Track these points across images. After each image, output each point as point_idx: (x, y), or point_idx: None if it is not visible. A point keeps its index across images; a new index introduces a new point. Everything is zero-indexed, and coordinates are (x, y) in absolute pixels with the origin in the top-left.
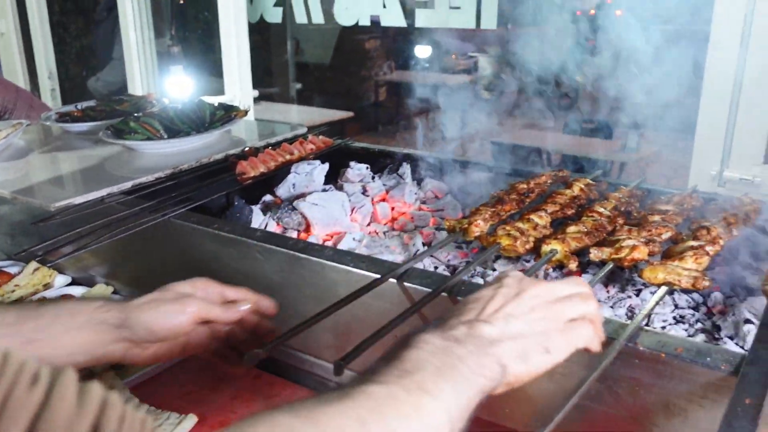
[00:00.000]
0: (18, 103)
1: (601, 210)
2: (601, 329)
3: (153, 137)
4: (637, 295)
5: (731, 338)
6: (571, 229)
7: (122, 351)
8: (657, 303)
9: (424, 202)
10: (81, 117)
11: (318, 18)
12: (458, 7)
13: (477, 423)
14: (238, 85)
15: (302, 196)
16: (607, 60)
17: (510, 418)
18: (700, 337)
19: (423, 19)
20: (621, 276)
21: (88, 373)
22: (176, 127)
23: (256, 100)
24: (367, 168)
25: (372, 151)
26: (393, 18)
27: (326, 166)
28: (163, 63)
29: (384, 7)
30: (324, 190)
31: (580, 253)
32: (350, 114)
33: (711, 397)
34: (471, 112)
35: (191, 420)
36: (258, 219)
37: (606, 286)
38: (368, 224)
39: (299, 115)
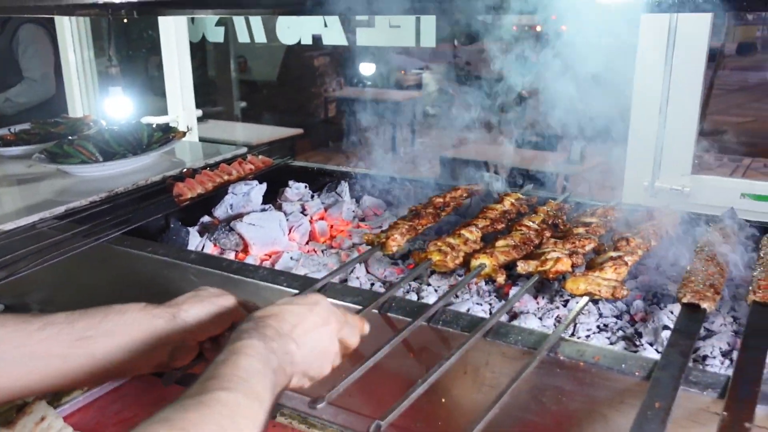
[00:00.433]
0: None
1: (530, 224)
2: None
3: (88, 161)
4: (565, 306)
5: (651, 344)
6: (500, 243)
7: (172, 348)
8: (578, 313)
9: (362, 220)
10: (14, 140)
11: (260, 37)
12: (398, 26)
13: None
14: (181, 104)
15: (240, 216)
16: (549, 75)
17: (442, 429)
18: (621, 345)
19: (364, 37)
20: (550, 287)
21: (21, 404)
22: (112, 149)
23: (202, 118)
24: (306, 187)
25: (311, 170)
26: (334, 37)
27: (264, 186)
28: (103, 84)
29: (325, 26)
30: (263, 210)
31: (510, 266)
32: (299, 131)
33: (629, 402)
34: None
35: None
36: (195, 241)
37: (536, 297)
38: (306, 243)
39: (247, 133)
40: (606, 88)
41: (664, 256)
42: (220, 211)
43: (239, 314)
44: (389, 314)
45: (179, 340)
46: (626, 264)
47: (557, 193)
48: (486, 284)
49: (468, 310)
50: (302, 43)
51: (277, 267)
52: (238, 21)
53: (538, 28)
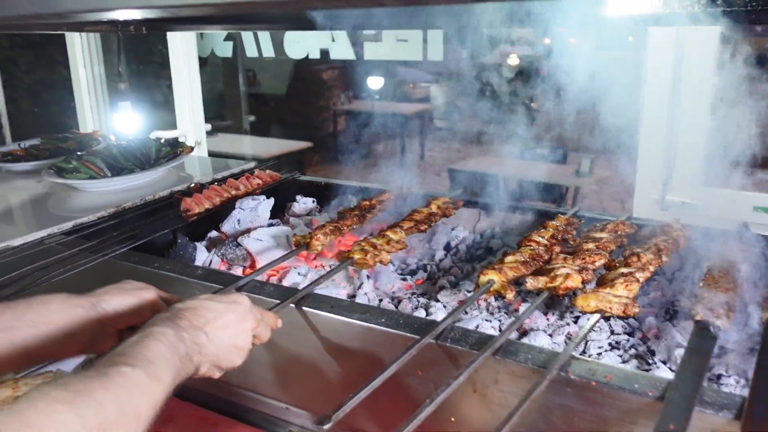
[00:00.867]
0: None
1: (539, 239)
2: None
3: (96, 176)
4: (576, 322)
5: (664, 362)
6: (509, 259)
7: (92, 334)
8: (589, 331)
9: (371, 235)
10: (24, 156)
11: (268, 52)
12: (405, 40)
13: None
14: (190, 119)
15: (247, 231)
16: (558, 88)
17: None
18: (634, 363)
19: (371, 52)
20: (560, 303)
21: None
22: (120, 164)
23: (211, 132)
24: (314, 201)
25: (319, 184)
26: (342, 51)
27: (271, 201)
28: (113, 99)
29: (333, 40)
30: (270, 225)
31: (520, 282)
32: (308, 144)
33: (642, 423)
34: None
35: None
36: (202, 256)
37: (546, 313)
38: (314, 258)
39: (255, 147)
40: (614, 100)
41: (676, 271)
42: (228, 226)
43: (159, 306)
44: (396, 331)
45: (98, 328)
46: (638, 281)
47: (567, 206)
48: (495, 300)
49: (477, 326)
50: (310, 57)
51: (285, 283)
52: (247, 36)
53: (547, 41)
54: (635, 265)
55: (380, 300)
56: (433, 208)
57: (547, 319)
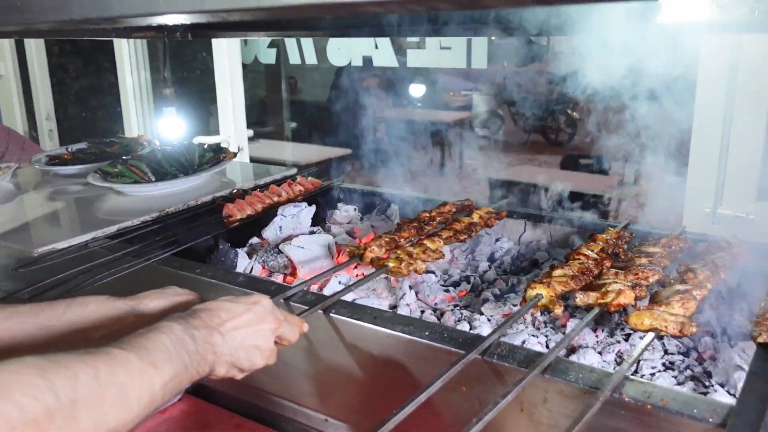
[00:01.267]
0: (9, 146)
1: (588, 252)
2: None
3: (140, 180)
4: (626, 340)
5: (722, 386)
6: (557, 272)
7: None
8: (643, 350)
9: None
10: (71, 159)
11: (311, 59)
12: (449, 48)
13: None
14: (233, 125)
15: (289, 238)
16: (602, 97)
17: None
18: (690, 385)
19: (414, 59)
20: (610, 319)
21: None
22: (164, 169)
23: (253, 138)
24: (355, 209)
25: (360, 192)
26: (385, 58)
27: (313, 208)
28: (158, 104)
29: (376, 47)
30: (312, 232)
31: (567, 296)
32: (348, 151)
33: None
34: (468, 150)
35: None
36: (243, 262)
37: (594, 330)
38: (355, 267)
39: (296, 153)
40: (665, 110)
41: (734, 289)
42: (270, 232)
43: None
44: (441, 345)
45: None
46: (695, 299)
47: (611, 218)
48: (542, 315)
49: (523, 342)
50: (353, 64)
51: (325, 291)
52: (290, 43)
53: (594, 51)
54: (692, 282)
55: (422, 311)
56: (475, 218)
57: (596, 336)
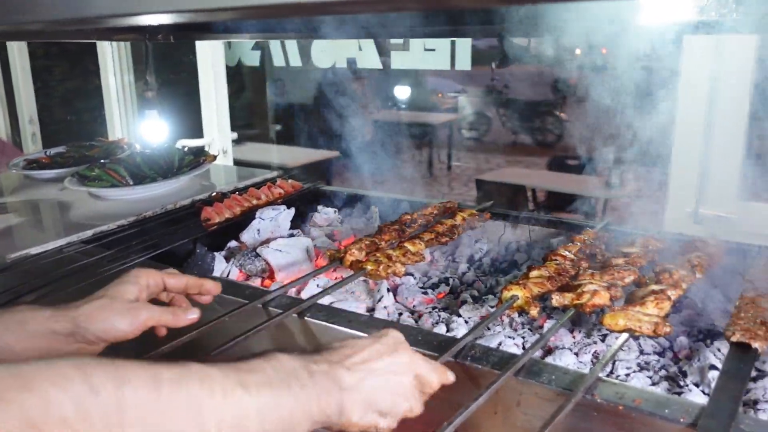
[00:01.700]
0: None
1: (565, 253)
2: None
3: (118, 184)
4: (603, 341)
5: (697, 385)
6: (534, 273)
7: (75, 351)
8: (617, 351)
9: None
10: (49, 163)
11: (295, 61)
12: (433, 50)
13: None
14: (217, 127)
15: (267, 242)
16: (588, 99)
17: None
18: (664, 385)
19: (399, 61)
20: (587, 320)
21: None
22: (143, 173)
23: (238, 141)
24: (335, 212)
25: (341, 195)
26: (369, 60)
27: (292, 211)
28: (142, 107)
29: (360, 49)
30: (291, 235)
31: (545, 298)
32: (335, 153)
33: None
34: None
35: None
36: (220, 266)
37: (572, 331)
38: (334, 270)
39: (282, 156)
40: (647, 110)
41: (710, 289)
42: (248, 236)
43: (151, 325)
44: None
45: (79, 347)
46: (669, 299)
47: (596, 219)
48: (519, 316)
49: (500, 344)
50: (337, 66)
51: (303, 295)
52: (274, 45)
53: (578, 51)
54: (667, 282)
55: (400, 314)
56: (458, 219)
57: (573, 337)
